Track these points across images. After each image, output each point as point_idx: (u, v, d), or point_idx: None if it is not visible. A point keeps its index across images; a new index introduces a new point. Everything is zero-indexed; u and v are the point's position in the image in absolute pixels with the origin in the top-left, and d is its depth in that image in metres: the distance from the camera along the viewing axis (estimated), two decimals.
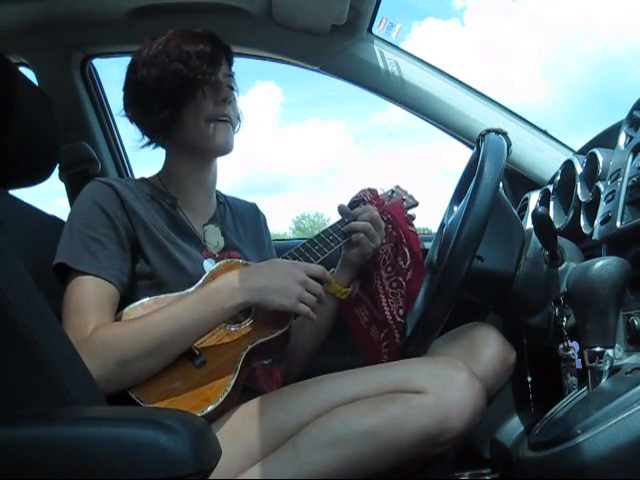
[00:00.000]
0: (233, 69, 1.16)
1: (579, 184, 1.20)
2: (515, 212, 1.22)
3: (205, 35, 1.11)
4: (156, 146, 1.17)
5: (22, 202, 1.08)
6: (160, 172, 1.17)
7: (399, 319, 1.16)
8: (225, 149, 1.13)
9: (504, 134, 1.04)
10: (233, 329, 1.01)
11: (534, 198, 1.46)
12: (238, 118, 1.17)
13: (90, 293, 0.95)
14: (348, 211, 1.19)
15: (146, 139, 1.15)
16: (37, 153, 1.05)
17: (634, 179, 0.96)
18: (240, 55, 1.61)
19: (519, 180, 1.60)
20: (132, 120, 1.14)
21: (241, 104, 1.18)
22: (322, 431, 0.88)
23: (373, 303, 1.21)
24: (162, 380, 0.92)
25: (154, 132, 1.12)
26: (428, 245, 1.25)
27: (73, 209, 1.04)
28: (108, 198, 1.02)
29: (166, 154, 1.16)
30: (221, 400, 0.91)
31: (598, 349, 0.86)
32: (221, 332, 1.00)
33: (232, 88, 1.14)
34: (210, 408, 0.90)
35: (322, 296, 1.02)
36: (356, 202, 1.24)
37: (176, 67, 1.06)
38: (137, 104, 1.10)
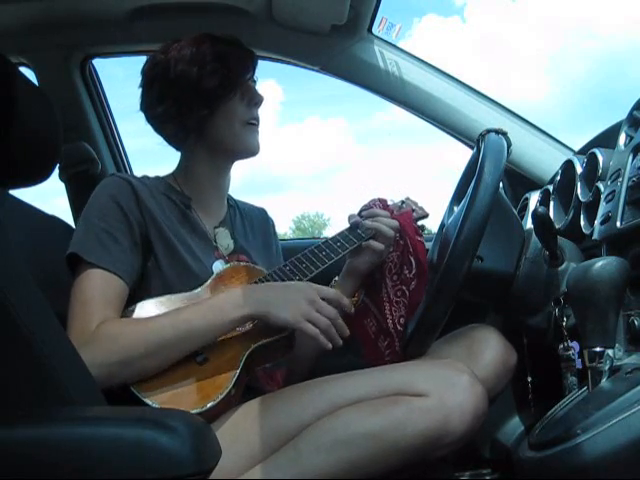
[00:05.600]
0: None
1: (579, 184, 1.20)
2: (515, 212, 1.22)
3: (232, 39, 1.13)
4: (179, 147, 1.16)
5: (22, 202, 1.08)
6: (175, 171, 1.17)
7: (400, 328, 1.15)
8: (254, 151, 1.15)
9: (504, 134, 1.04)
10: (237, 329, 1.01)
11: (534, 198, 1.47)
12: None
13: (98, 286, 0.96)
14: (361, 217, 1.19)
15: (176, 137, 1.14)
16: (37, 153, 1.05)
17: (634, 179, 0.96)
18: None
19: (519, 180, 1.60)
20: (159, 118, 1.12)
21: None
22: (323, 433, 0.88)
23: (380, 313, 1.20)
24: (163, 375, 0.92)
25: (188, 130, 1.11)
26: (428, 245, 1.25)
27: (90, 202, 1.04)
28: (124, 193, 1.03)
29: (185, 154, 1.17)
30: (221, 398, 0.91)
31: (598, 349, 0.86)
32: None
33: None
34: (209, 405, 0.90)
35: (337, 321, 0.97)
36: (365, 211, 1.24)
37: (216, 66, 1.07)
38: (171, 102, 1.09)
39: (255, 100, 1.13)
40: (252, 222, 1.26)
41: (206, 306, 0.96)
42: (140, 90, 1.14)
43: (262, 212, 1.33)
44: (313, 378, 0.98)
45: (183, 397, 0.91)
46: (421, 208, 1.30)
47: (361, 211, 1.24)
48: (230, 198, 1.25)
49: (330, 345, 0.96)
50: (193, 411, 0.88)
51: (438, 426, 0.86)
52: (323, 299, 0.98)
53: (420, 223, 1.27)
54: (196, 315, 0.95)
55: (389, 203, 1.28)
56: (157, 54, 1.12)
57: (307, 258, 1.10)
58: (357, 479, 0.87)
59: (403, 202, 1.31)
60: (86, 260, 0.97)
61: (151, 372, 0.92)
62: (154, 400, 0.89)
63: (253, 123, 1.13)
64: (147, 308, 0.99)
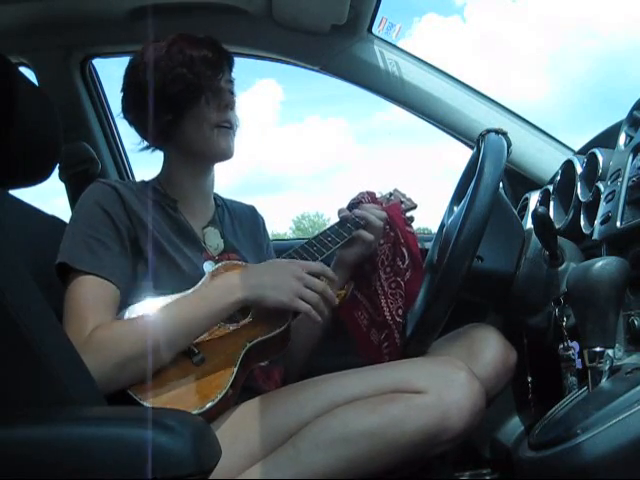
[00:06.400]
0: (233, 74, 1.16)
1: (579, 184, 1.20)
2: (515, 212, 1.22)
3: (208, 40, 1.11)
4: (155, 150, 1.17)
5: (22, 202, 1.08)
6: (159, 175, 1.17)
7: (398, 319, 1.16)
8: (226, 155, 1.13)
9: (504, 134, 1.04)
10: (232, 327, 1.01)
11: (534, 198, 1.47)
12: (236, 124, 1.18)
13: (90, 293, 0.95)
14: (350, 210, 1.19)
15: (146, 142, 1.16)
16: (37, 153, 1.05)
17: (634, 179, 0.96)
18: (240, 55, 1.61)
19: (519, 180, 1.60)
20: (132, 123, 1.14)
21: (241, 103, 1.19)
22: (322, 431, 0.88)
23: (372, 305, 1.20)
24: (161, 378, 0.92)
25: (155, 136, 1.12)
26: (428, 245, 1.25)
27: (75, 210, 1.04)
28: (110, 199, 1.03)
29: (165, 158, 1.17)
30: (220, 397, 0.91)
31: (598, 349, 0.86)
32: (220, 330, 1.00)
33: (233, 94, 1.15)
34: (209, 405, 0.90)
35: (327, 293, 1.00)
36: (354, 204, 1.25)
37: (180, 71, 1.06)
38: (139, 107, 1.10)
39: (225, 103, 1.11)
40: (241, 220, 1.26)
41: (198, 297, 0.97)
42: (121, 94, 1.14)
43: (251, 210, 1.32)
44: (311, 377, 0.98)
45: (181, 399, 0.90)
46: (409, 199, 1.31)
47: (350, 205, 1.24)
48: (218, 197, 1.24)
49: (320, 319, 0.98)
50: (193, 412, 0.88)
51: (436, 423, 0.86)
52: (309, 274, 1.00)
53: (409, 214, 1.27)
54: (189, 307, 0.95)
55: (377, 195, 1.28)
56: (136, 56, 1.12)
57: (298, 254, 1.10)
58: (356, 477, 0.87)
59: (391, 194, 1.32)
60: (76, 268, 0.97)
61: (149, 371, 0.91)
62: (152, 403, 0.89)
63: (225, 126, 1.11)
64: (139, 311, 0.98)
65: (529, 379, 1.15)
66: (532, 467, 0.83)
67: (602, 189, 1.08)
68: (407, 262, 1.18)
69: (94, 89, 1.79)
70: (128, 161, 1.91)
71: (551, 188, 1.36)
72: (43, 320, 0.71)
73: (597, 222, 1.05)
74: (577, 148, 1.50)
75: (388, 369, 0.97)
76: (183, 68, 1.06)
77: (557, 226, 1.22)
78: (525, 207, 1.49)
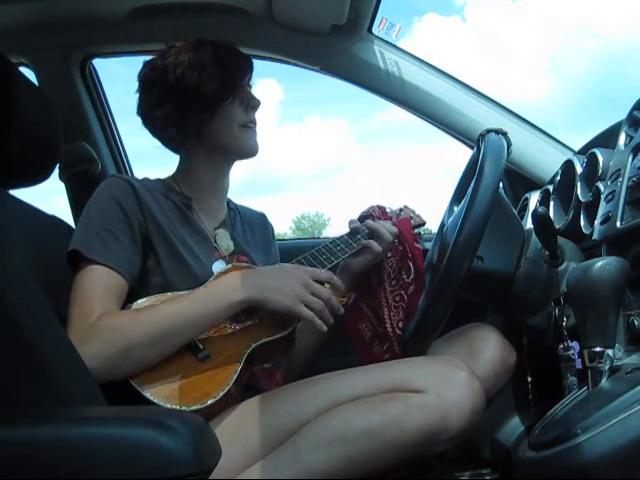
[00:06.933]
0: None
1: (579, 184, 1.20)
2: (515, 212, 1.22)
3: (229, 44, 1.16)
4: (180, 147, 1.18)
5: (22, 202, 1.08)
6: (175, 173, 1.19)
7: (398, 332, 1.17)
8: (253, 152, 1.17)
9: (504, 134, 1.04)
10: (238, 327, 1.02)
11: (534, 198, 1.47)
12: None
13: (99, 282, 0.96)
14: (361, 222, 1.22)
15: (175, 140, 1.17)
16: (37, 153, 1.05)
17: (634, 179, 0.96)
18: None
19: (519, 180, 1.60)
20: (158, 121, 1.14)
21: None
22: (322, 430, 0.88)
23: (376, 317, 1.22)
24: (165, 371, 0.93)
25: (187, 133, 1.13)
26: (428, 245, 1.25)
27: (90, 201, 1.06)
28: (125, 194, 1.04)
29: (185, 155, 1.18)
30: (222, 395, 0.92)
31: (598, 349, 0.86)
32: (226, 329, 1.01)
33: None
34: (210, 402, 0.90)
35: (331, 301, 1.01)
36: (365, 218, 1.26)
37: (216, 71, 1.10)
38: (171, 106, 1.11)
39: (252, 104, 1.16)
40: (252, 226, 1.28)
41: (203, 293, 0.98)
42: (137, 95, 1.15)
43: (262, 217, 1.34)
44: (312, 376, 0.98)
45: (183, 393, 0.91)
46: (418, 216, 1.33)
47: (362, 218, 1.25)
48: (230, 202, 1.26)
49: (325, 327, 0.99)
50: (193, 407, 0.89)
51: (436, 422, 0.87)
52: (316, 281, 1.01)
53: (416, 231, 1.28)
54: (194, 302, 0.96)
55: (387, 210, 1.30)
56: (154, 59, 1.14)
57: (308, 261, 1.11)
58: (356, 476, 0.88)
59: (401, 210, 1.34)
60: (87, 257, 0.98)
61: (151, 362, 0.92)
62: (154, 395, 0.90)
63: (251, 126, 1.15)
64: (147, 305, 0.99)
65: (529, 379, 1.15)
66: (532, 467, 0.83)
67: (602, 189, 1.08)
68: (412, 276, 1.19)
69: (94, 89, 1.78)
70: (128, 161, 1.91)
71: (551, 188, 1.36)
72: (43, 320, 0.71)
73: (597, 222, 1.05)
74: (577, 148, 1.50)
75: (388, 368, 0.97)
76: (218, 68, 1.10)
77: (557, 226, 1.22)
78: (525, 207, 1.49)
